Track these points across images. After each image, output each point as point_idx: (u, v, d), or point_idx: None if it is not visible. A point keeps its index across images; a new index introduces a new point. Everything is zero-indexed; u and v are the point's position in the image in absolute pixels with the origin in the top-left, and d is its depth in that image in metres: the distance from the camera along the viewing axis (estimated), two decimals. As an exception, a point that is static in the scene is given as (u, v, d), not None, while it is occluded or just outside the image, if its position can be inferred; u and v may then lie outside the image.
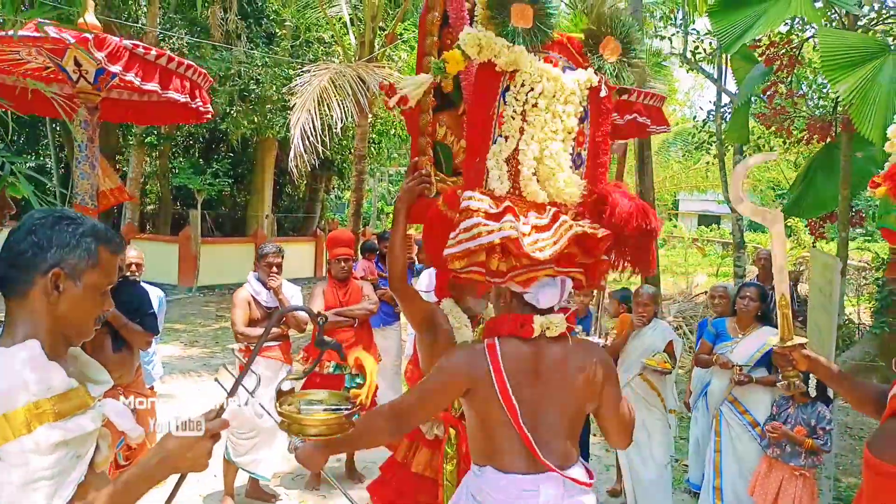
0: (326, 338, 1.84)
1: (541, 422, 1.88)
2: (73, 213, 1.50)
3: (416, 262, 6.89)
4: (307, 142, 8.89)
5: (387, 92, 2.24)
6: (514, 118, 1.94)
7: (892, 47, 4.78)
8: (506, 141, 1.93)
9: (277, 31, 14.39)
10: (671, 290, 14.54)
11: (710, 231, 31.99)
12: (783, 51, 4.96)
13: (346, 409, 1.93)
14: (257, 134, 13.85)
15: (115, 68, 2.62)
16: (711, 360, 4.14)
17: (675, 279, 16.97)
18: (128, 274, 3.99)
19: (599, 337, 5.05)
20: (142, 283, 3.95)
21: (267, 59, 13.31)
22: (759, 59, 5.31)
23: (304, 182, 19.87)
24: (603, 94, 2.06)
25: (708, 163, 15.39)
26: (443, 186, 2.27)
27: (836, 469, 4.98)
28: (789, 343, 2.35)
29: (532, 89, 1.93)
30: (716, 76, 11.47)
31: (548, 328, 1.89)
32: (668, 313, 11.57)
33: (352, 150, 12.06)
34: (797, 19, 6.09)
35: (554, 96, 1.96)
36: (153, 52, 2.78)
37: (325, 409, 1.95)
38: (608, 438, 2.09)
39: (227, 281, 14.31)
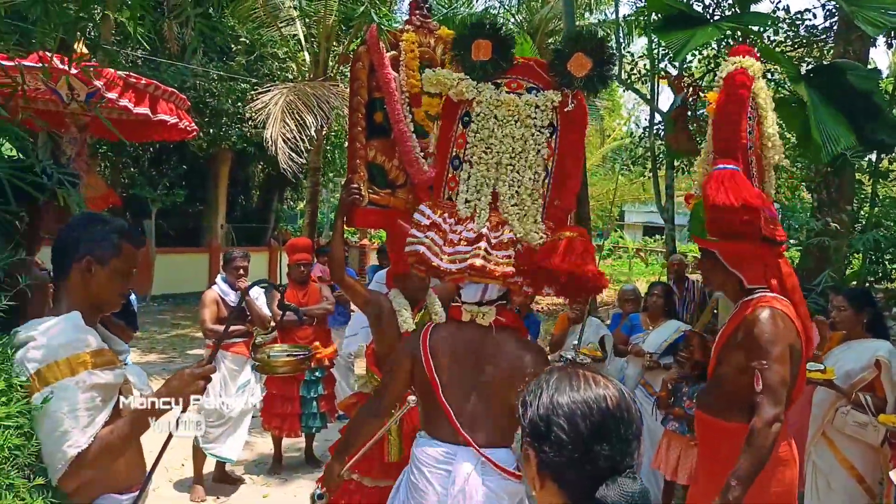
0: (287, 302, 2.35)
1: (466, 398, 2.09)
2: (104, 215, 1.97)
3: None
4: (287, 146, 9.58)
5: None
6: (476, 146, 2.24)
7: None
8: (470, 167, 2.25)
9: (232, 45, 14.69)
10: (612, 297, 15.37)
11: (654, 241, 33.11)
12: (689, 82, 5.69)
13: (303, 353, 2.45)
14: (213, 145, 14.11)
15: (112, 95, 3.07)
16: (627, 350, 4.77)
17: (617, 287, 17.83)
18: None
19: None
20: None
21: (222, 73, 13.61)
22: (671, 88, 6.05)
23: (258, 193, 20.10)
24: (569, 108, 2.21)
25: (644, 176, 16.29)
26: (374, 197, 2.80)
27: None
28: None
29: (489, 119, 2.20)
30: (649, 96, 12.33)
31: (476, 316, 2.19)
32: (607, 317, 12.34)
33: (307, 162, 12.48)
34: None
35: (510, 121, 2.19)
36: (143, 81, 3.25)
37: (287, 355, 2.46)
38: None
39: (181, 290, 14.45)
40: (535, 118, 2.20)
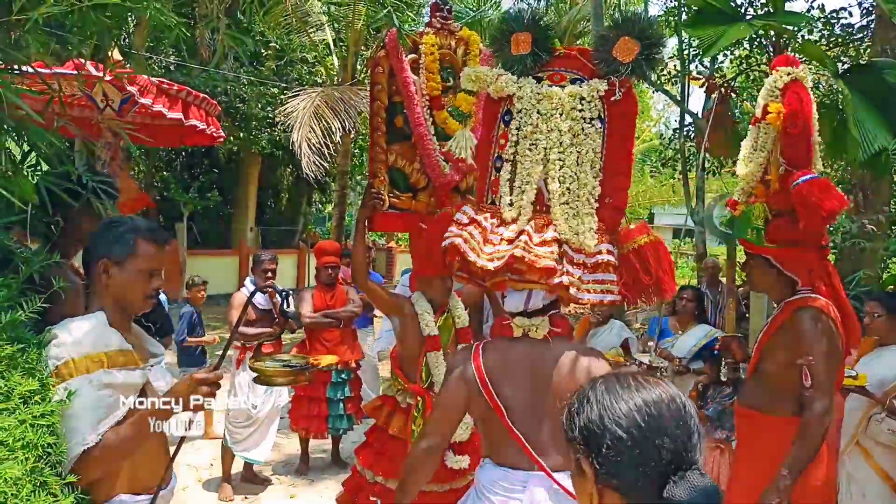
0: (288, 310, 2.36)
1: (532, 420, 1.92)
2: (123, 217, 2.01)
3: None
4: (311, 149, 9.70)
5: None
6: (519, 143, 2.08)
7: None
8: (512, 166, 2.09)
9: (263, 51, 14.90)
10: (640, 300, 15.22)
11: (685, 244, 32.50)
12: (720, 83, 5.62)
13: (301, 365, 2.48)
14: (243, 149, 14.32)
15: (146, 101, 3.14)
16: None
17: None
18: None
19: None
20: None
21: (252, 78, 13.82)
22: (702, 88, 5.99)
23: (286, 196, 20.34)
24: (616, 97, 2.06)
25: (674, 178, 16.10)
26: (395, 201, 2.80)
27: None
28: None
29: (531, 115, 2.05)
30: (679, 98, 12.16)
31: (529, 329, 2.03)
32: (635, 321, 12.21)
33: (335, 166, 12.61)
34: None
35: (554, 114, 2.05)
36: (175, 87, 3.31)
37: (284, 365, 2.50)
38: None
39: (211, 292, 14.64)
40: (583, 110, 2.05)
